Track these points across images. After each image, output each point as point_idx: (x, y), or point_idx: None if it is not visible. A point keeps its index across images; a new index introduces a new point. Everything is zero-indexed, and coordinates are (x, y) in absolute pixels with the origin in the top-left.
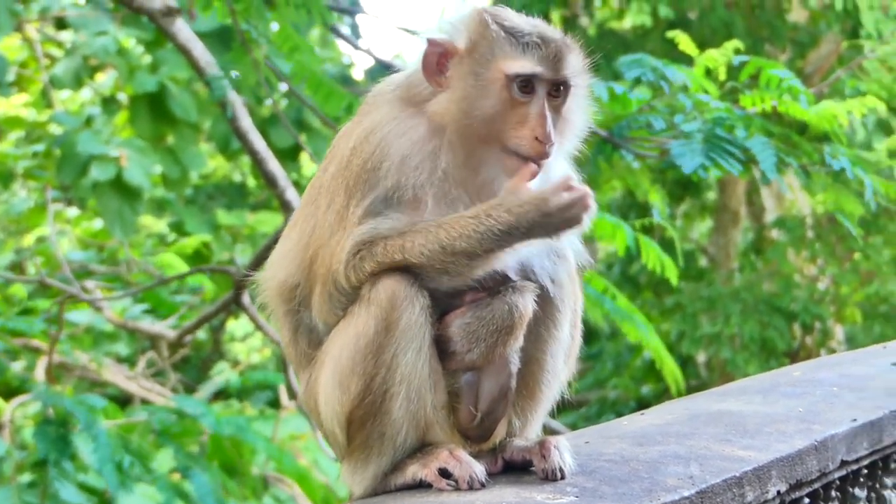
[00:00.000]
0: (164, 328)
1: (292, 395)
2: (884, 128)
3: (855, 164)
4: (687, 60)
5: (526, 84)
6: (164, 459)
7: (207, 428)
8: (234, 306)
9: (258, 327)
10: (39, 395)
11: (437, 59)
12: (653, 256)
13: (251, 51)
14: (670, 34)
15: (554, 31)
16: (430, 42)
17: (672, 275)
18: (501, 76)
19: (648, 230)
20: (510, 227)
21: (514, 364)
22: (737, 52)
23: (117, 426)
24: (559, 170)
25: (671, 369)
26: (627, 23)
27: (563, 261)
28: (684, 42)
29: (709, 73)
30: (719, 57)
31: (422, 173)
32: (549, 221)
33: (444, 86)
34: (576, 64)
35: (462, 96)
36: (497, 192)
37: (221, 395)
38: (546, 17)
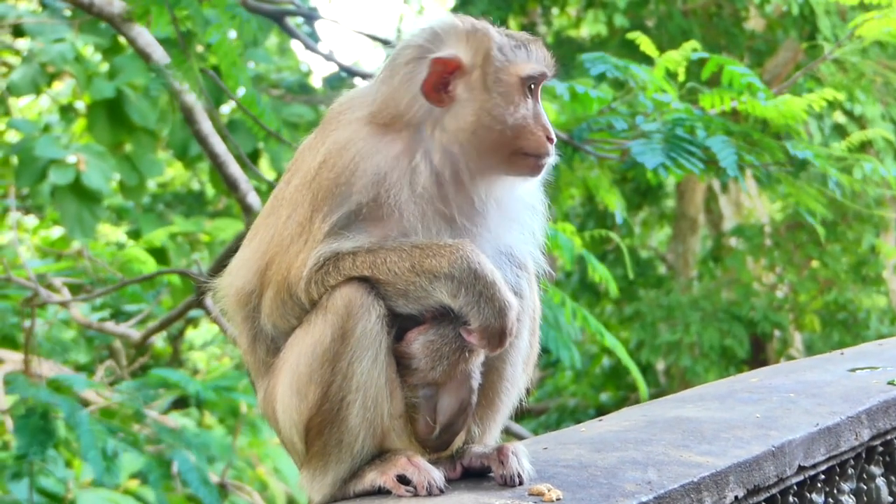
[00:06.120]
0: (129, 329)
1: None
2: (840, 132)
3: (817, 157)
4: (647, 65)
5: (532, 85)
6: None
7: (190, 392)
8: (198, 308)
9: (221, 330)
10: (17, 388)
11: (441, 77)
12: (598, 271)
13: (189, 57)
14: (631, 35)
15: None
16: (437, 61)
17: (613, 288)
18: (517, 79)
19: (606, 239)
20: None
21: (476, 379)
22: (695, 51)
23: (98, 410)
24: None
25: (637, 376)
26: (585, 31)
27: (523, 271)
28: (645, 43)
29: (668, 75)
30: (679, 57)
31: (400, 190)
32: None
33: (446, 103)
34: None
35: (481, 107)
36: (477, 208)
37: (180, 404)
38: (504, 24)
